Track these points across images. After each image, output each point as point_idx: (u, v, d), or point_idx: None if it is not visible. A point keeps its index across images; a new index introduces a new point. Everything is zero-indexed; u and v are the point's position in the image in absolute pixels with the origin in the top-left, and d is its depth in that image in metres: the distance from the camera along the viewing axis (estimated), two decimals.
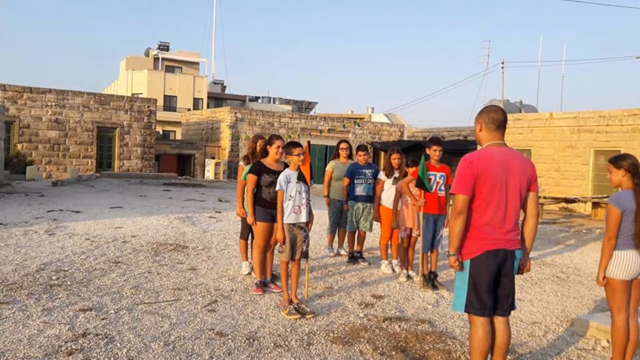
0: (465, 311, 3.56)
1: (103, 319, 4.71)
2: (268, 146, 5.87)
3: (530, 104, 32.13)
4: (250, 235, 6.46)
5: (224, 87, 53.55)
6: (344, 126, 32.29)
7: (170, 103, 44.46)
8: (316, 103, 55.81)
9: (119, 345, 4.15)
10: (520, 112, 28.64)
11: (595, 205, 17.46)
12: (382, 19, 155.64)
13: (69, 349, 4.02)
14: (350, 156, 8.18)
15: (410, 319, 5.23)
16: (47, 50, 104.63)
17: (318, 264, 7.42)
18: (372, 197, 7.46)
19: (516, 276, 3.70)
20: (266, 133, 24.84)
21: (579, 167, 21.33)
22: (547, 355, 4.53)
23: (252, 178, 5.80)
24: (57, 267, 6.48)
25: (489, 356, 3.60)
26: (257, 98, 52.21)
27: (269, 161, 5.86)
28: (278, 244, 5.38)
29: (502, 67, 33.01)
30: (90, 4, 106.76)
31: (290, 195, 5.24)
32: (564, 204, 19.43)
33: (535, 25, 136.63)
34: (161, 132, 38.80)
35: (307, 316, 5.03)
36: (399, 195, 6.78)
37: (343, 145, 8.18)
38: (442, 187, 6.57)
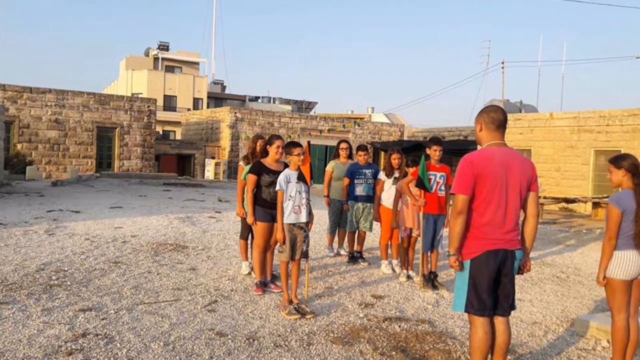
0: (466, 311, 3.56)
1: (103, 319, 4.71)
2: (268, 146, 5.86)
3: (531, 104, 32.14)
4: (250, 235, 6.46)
5: (223, 87, 53.55)
6: (344, 126, 32.29)
7: (170, 103, 44.46)
8: (316, 103, 55.86)
9: (118, 345, 4.15)
10: (520, 112, 28.64)
11: (596, 205, 17.46)
12: (382, 19, 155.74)
13: (69, 349, 4.01)
14: (350, 156, 8.17)
15: (411, 319, 5.22)
16: (47, 50, 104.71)
17: (318, 264, 7.41)
18: (372, 197, 7.45)
19: (516, 276, 3.69)
20: (266, 133, 24.83)
21: (579, 167, 21.32)
22: (547, 356, 4.53)
23: (252, 178, 5.80)
24: (57, 267, 6.47)
25: (489, 356, 3.60)
26: (257, 98, 52.20)
27: (269, 161, 5.85)
28: (278, 244, 5.38)
29: (502, 67, 33.02)
30: (90, 4, 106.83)
31: (290, 195, 5.23)
32: (564, 204, 19.43)
33: (535, 25, 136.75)
34: (161, 132, 38.80)
35: (307, 316, 5.03)
36: (399, 195, 6.78)
37: (343, 145, 8.17)
38: (442, 187, 6.57)
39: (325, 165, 9.33)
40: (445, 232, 6.10)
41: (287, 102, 52.44)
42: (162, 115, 39.70)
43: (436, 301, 5.93)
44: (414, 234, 6.83)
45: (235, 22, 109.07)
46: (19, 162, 22.52)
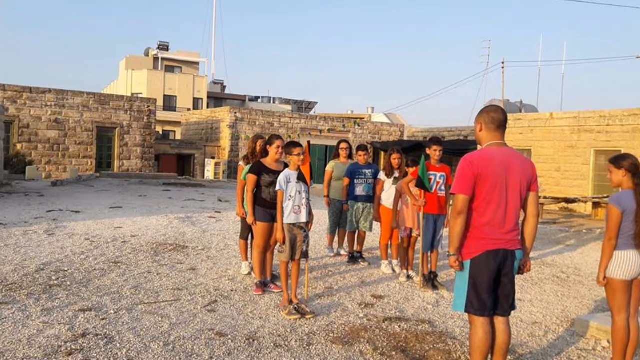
0: (466, 311, 3.55)
1: (103, 319, 4.70)
2: (268, 146, 5.86)
3: (531, 104, 32.13)
4: (250, 235, 6.46)
5: (223, 87, 53.55)
6: (344, 126, 32.29)
7: (170, 103, 44.46)
8: (316, 103, 55.85)
9: (118, 345, 4.15)
10: (520, 112, 28.64)
11: (596, 205, 17.46)
12: (382, 19, 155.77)
13: (69, 349, 4.01)
14: (350, 156, 8.17)
15: (411, 319, 5.22)
16: (47, 50, 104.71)
17: (318, 264, 7.41)
18: (372, 197, 7.45)
19: (516, 276, 3.69)
20: (266, 133, 24.83)
21: (579, 167, 21.32)
22: (548, 356, 4.52)
23: (252, 178, 5.80)
24: (57, 267, 6.47)
25: (489, 356, 3.60)
26: (257, 98, 52.20)
27: (269, 161, 5.85)
28: (278, 244, 5.38)
29: (502, 67, 33.01)
30: (90, 4, 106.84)
31: (290, 195, 5.23)
32: (564, 204, 19.43)
33: (535, 25, 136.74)
34: (161, 132, 38.79)
35: (307, 316, 5.03)
36: (399, 195, 6.77)
37: (343, 145, 8.17)
38: (442, 187, 6.56)
39: (325, 165, 9.33)
40: (445, 232, 6.10)
41: (287, 102, 52.44)
42: (162, 115, 39.70)
43: (436, 301, 5.93)
44: (414, 234, 6.83)
45: (235, 22, 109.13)
46: (19, 162, 22.52)
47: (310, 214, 5.36)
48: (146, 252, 7.55)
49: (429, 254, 6.64)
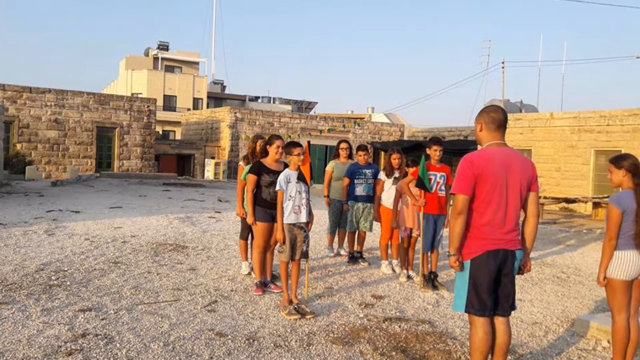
0: (466, 311, 3.55)
1: (103, 319, 4.70)
2: (268, 146, 5.86)
3: (531, 104, 32.13)
4: (250, 236, 6.45)
5: (223, 87, 53.54)
6: (344, 126, 32.29)
7: (170, 103, 44.45)
8: (316, 103, 55.86)
9: (118, 345, 4.14)
10: (520, 112, 28.64)
11: (596, 205, 17.46)
12: (382, 19, 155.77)
13: (69, 349, 4.01)
14: (350, 156, 8.17)
15: (411, 319, 5.22)
16: (47, 50, 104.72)
17: (318, 264, 7.41)
18: (372, 197, 7.44)
19: (516, 276, 3.69)
20: (266, 133, 24.83)
21: (579, 167, 21.32)
22: (548, 356, 4.52)
23: (252, 178, 5.79)
24: (57, 267, 6.47)
25: (489, 356, 3.59)
26: (257, 98, 52.20)
27: (268, 161, 5.85)
28: (278, 244, 5.37)
29: (503, 67, 33.02)
30: (90, 4, 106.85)
31: (290, 195, 5.23)
32: (564, 204, 19.43)
33: (536, 25, 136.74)
34: (161, 132, 38.79)
35: (307, 316, 5.02)
36: (399, 195, 6.77)
37: (343, 145, 8.17)
38: (443, 187, 6.56)
39: (325, 165, 9.32)
40: (445, 232, 6.10)
41: (287, 102, 52.44)
42: (162, 115, 39.69)
43: (436, 301, 5.93)
44: (414, 234, 6.82)
45: (235, 22, 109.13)
46: (19, 162, 22.51)
47: (310, 214, 5.36)
48: (146, 252, 7.55)
49: (429, 254, 6.63)
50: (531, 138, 22.90)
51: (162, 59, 48.47)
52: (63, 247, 7.64)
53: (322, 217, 10.14)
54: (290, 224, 5.23)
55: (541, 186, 15.35)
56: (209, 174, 28.49)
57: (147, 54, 49.66)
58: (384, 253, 7.23)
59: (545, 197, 17.68)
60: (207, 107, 44.43)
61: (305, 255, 5.33)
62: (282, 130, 30.19)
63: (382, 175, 7.22)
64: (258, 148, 6.41)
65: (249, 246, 6.63)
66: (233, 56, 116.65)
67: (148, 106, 27.93)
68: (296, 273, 5.34)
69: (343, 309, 5.41)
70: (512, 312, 3.68)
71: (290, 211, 5.21)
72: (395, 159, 7.13)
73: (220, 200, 15.46)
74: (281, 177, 5.28)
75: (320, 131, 31.39)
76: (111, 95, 28.62)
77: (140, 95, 35.51)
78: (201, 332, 4.53)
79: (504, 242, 3.50)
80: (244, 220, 6.38)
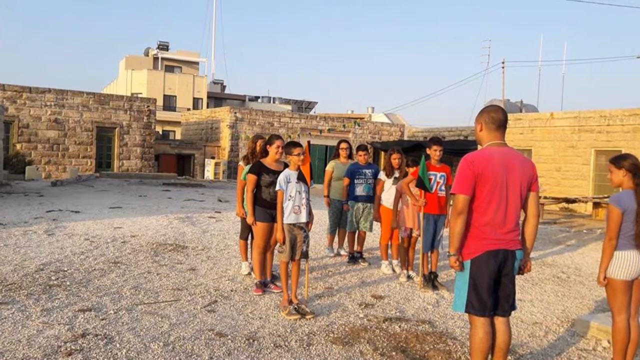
0: (466, 311, 3.55)
1: (102, 319, 4.70)
2: (268, 146, 5.85)
3: (531, 104, 32.13)
4: (250, 236, 6.45)
5: (223, 87, 53.54)
6: (344, 126, 32.29)
7: (169, 103, 44.45)
8: (316, 103, 55.85)
9: (118, 345, 4.14)
10: (520, 111, 28.64)
11: (596, 205, 17.45)
12: (382, 18, 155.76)
13: (69, 349, 4.00)
14: (350, 156, 8.16)
15: (411, 319, 5.21)
16: (47, 49, 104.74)
17: (318, 264, 7.40)
18: (372, 197, 7.44)
19: (517, 276, 3.69)
20: (266, 133, 24.82)
21: (579, 167, 21.31)
22: (548, 356, 4.52)
23: (251, 178, 5.79)
24: (57, 267, 6.46)
25: (490, 357, 3.59)
26: (256, 98, 52.20)
27: (268, 161, 5.84)
28: (278, 244, 5.37)
29: (503, 67, 33.00)
30: (90, 4, 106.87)
31: (290, 195, 5.22)
32: (564, 204, 19.42)
33: (535, 25, 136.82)
34: (161, 132, 38.78)
35: (307, 316, 5.02)
36: (399, 195, 6.77)
37: (343, 145, 8.16)
38: (443, 187, 6.56)
39: (325, 165, 9.32)
40: (445, 232, 6.09)
41: (287, 102, 52.43)
42: (161, 115, 39.69)
43: (436, 301, 5.92)
44: (414, 234, 6.82)
45: (235, 22, 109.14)
46: (19, 162, 22.51)
47: (310, 214, 5.35)
48: (146, 252, 7.54)
49: (429, 254, 6.63)
50: (531, 138, 22.90)
51: (162, 58, 48.47)
52: (63, 247, 7.64)
53: (322, 217, 10.14)
54: (290, 224, 5.22)
55: (541, 186, 15.33)
56: (209, 174, 28.49)
57: (147, 54, 49.65)
58: (384, 253, 7.23)
59: (545, 197, 17.67)
60: (207, 107, 44.43)
61: (305, 255, 5.33)
62: (282, 130, 30.19)
63: (382, 175, 7.21)
64: (258, 148, 6.40)
65: (249, 246, 6.62)
66: (233, 56, 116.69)
67: (148, 106, 27.93)
68: (296, 273, 5.34)
69: (343, 309, 5.41)
70: (512, 312, 3.68)
71: (290, 211, 5.21)
72: (395, 159, 7.12)
73: (220, 200, 15.46)
74: (281, 177, 5.28)
75: (320, 131, 31.38)
76: (111, 95, 28.62)
77: (140, 95, 35.50)
78: (201, 332, 4.52)
79: (504, 242, 3.50)
80: (243, 220, 6.38)
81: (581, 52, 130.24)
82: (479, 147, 3.73)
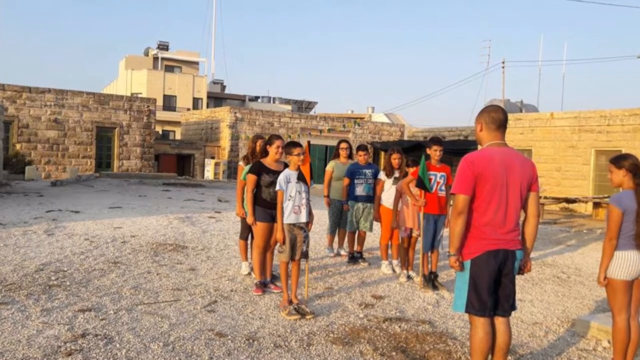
0: (466, 311, 3.55)
1: (102, 319, 4.69)
2: (268, 146, 5.85)
3: (531, 104, 32.13)
4: (250, 236, 6.45)
5: (223, 87, 53.53)
6: (344, 126, 32.29)
7: (169, 103, 44.45)
8: (316, 103, 55.85)
9: (118, 345, 4.14)
10: (521, 111, 28.64)
11: (596, 205, 17.46)
12: (383, 18, 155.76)
13: (68, 349, 4.00)
14: (350, 156, 8.16)
15: (411, 319, 5.21)
16: (46, 49, 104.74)
17: (318, 264, 7.40)
18: (372, 197, 7.44)
19: (517, 276, 3.68)
20: (266, 133, 24.81)
21: (579, 167, 21.31)
22: (548, 356, 4.51)
23: (251, 178, 5.79)
24: (56, 267, 6.46)
25: (490, 357, 3.59)
26: (256, 98, 52.20)
27: (268, 161, 5.84)
28: (278, 244, 5.37)
29: (503, 67, 33.00)
30: (90, 4, 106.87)
31: (290, 195, 5.22)
32: (564, 204, 19.42)
33: (536, 25, 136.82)
34: (161, 132, 38.78)
35: (307, 317, 5.02)
36: (399, 195, 6.76)
37: (343, 145, 8.16)
38: (443, 187, 6.55)
39: (325, 165, 9.32)
40: (445, 232, 6.09)
41: (287, 102, 52.43)
42: (161, 115, 39.69)
43: (436, 301, 5.92)
44: (414, 234, 6.82)
45: (235, 22, 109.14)
46: (18, 162, 22.51)
47: (310, 214, 5.35)
48: (146, 252, 7.54)
49: (429, 254, 6.63)
50: (531, 138, 22.89)
51: (162, 58, 48.46)
52: (63, 247, 7.63)
53: (322, 217, 10.14)
54: (290, 224, 5.22)
55: (542, 186, 15.33)
56: (209, 174, 28.49)
57: (147, 54, 49.65)
58: (384, 253, 7.23)
59: (545, 197, 17.67)
60: (207, 107, 44.42)
61: (305, 255, 5.32)
62: (282, 130, 30.18)
63: (382, 175, 7.21)
64: (258, 148, 6.40)
65: (248, 246, 6.62)
66: (233, 56, 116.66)
67: (148, 106, 27.92)
68: (296, 273, 5.34)
69: (343, 309, 5.40)
70: (513, 312, 3.67)
71: (290, 211, 5.21)
72: (395, 159, 7.12)
73: (220, 200, 15.45)
74: (281, 177, 5.27)
75: (320, 131, 31.38)
76: (111, 95, 28.62)
77: (140, 95, 35.52)
78: (201, 332, 4.52)
79: (504, 242, 3.50)
80: (243, 220, 6.37)
81: (581, 52, 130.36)
82: (479, 147, 3.73)
